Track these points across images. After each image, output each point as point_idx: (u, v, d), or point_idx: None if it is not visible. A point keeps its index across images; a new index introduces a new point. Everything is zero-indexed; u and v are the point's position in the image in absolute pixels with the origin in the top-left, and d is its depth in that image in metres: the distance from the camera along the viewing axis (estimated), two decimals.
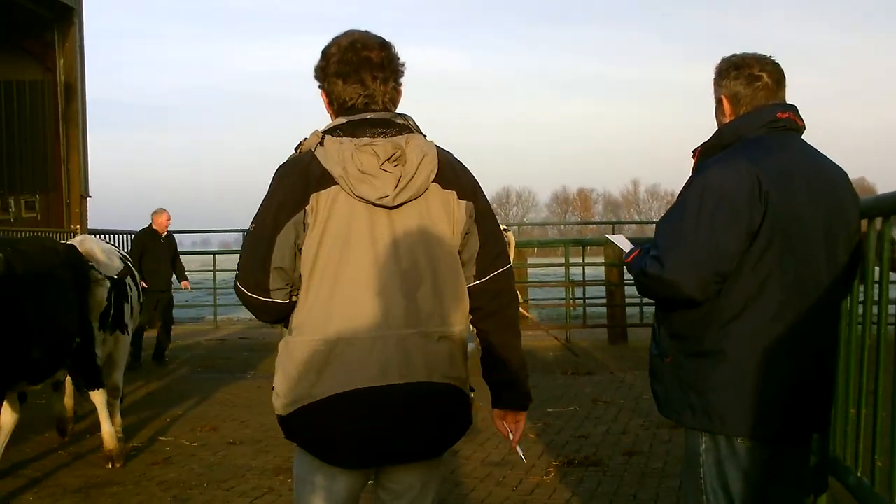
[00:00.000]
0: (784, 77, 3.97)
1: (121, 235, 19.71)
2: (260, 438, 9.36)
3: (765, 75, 3.92)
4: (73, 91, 18.07)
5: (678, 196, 3.86)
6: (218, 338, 18.62)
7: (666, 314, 3.96)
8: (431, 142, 3.54)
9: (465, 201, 3.54)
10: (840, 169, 3.98)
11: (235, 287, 3.61)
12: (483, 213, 3.61)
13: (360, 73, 3.50)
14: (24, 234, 16.59)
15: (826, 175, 3.88)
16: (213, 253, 22.48)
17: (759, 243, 3.66)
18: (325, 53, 3.58)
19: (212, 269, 21.74)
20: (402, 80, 3.62)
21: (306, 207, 3.41)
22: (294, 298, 3.52)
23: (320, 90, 3.62)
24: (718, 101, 4.03)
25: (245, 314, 24.63)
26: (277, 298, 3.50)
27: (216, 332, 19.80)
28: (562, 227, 73.39)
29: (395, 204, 3.40)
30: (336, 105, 3.57)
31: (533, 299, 20.00)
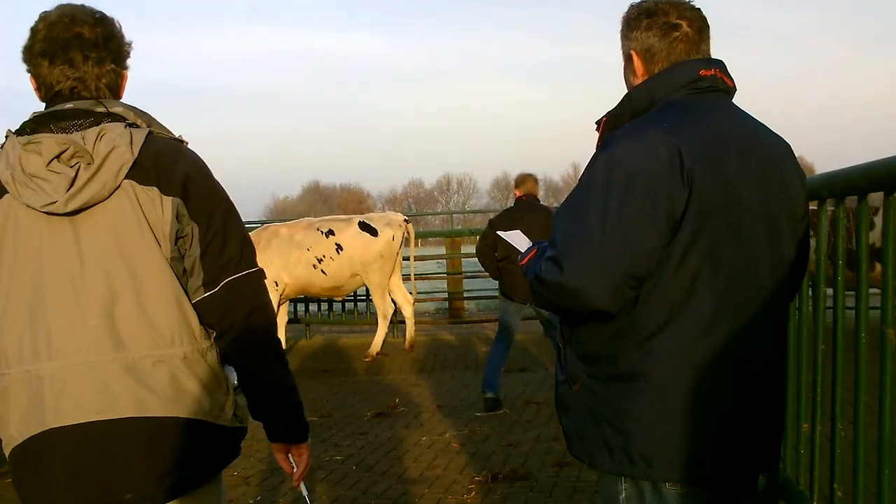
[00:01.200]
0: (707, 26, 3.16)
1: None
2: None
3: (684, 24, 3.10)
4: None
5: (580, 179, 3.06)
6: None
7: (572, 330, 3.15)
8: (138, 130, 2.98)
9: (171, 198, 2.94)
10: (780, 139, 3.19)
11: None
12: (203, 211, 3.00)
13: (68, 53, 2.99)
14: None
15: (764, 146, 3.08)
16: None
17: (683, 235, 2.86)
18: (33, 30, 3.04)
19: None
20: (128, 61, 3.14)
21: None
22: None
23: (28, 75, 3.06)
24: (627, 58, 3.21)
25: None
26: None
27: None
28: None
29: (69, 210, 2.87)
30: (44, 91, 3.05)
31: (467, 290, 19.22)
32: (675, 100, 3.03)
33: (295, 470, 3.26)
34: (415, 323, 14.69)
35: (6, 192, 2.91)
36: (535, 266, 3.04)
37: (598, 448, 3.06)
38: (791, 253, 3.10)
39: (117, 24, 3.09)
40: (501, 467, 7.53)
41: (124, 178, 2.89)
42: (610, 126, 3.12)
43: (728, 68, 3.14)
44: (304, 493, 3.41)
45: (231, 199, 3.12)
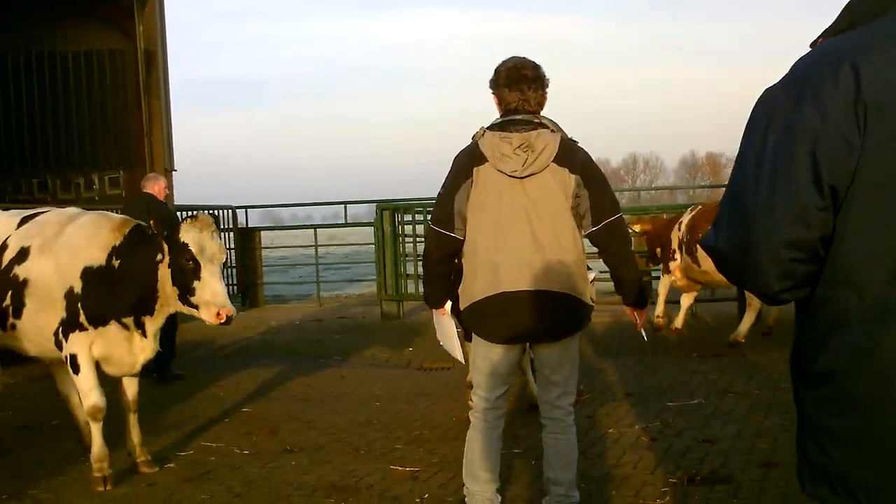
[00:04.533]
0: None
1: (213, 211, 18.57)
2: (322, 444, 7.95)
3: None
4: (154, 59, 17.11)
5: None
6: (314, 318, 17.22)
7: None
8: (556, 134, 5.18)
9: (574, 175, 5.17)
10: None
11: (430, 227, 5.50)
12: (590, 182, 5.20)
13: (518, 85, 5.24)
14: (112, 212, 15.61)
15: None
16: (315, 227, 21.16)
17: (862, 196, 2.13)
18: (496, 70, 5.32)
19: (313, 244, 20.42)
20: (547, 90, 5.35)
21: (471, 176, 5.22)
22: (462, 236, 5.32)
23: (493, 95, 5.35)
24: None
25: (352, 289, 23.55)
26: (457, 234, 5.30)
27: (316, 312, 18.34)
28: (691, 191, 68.70)
29: (523, 176, 5.12)
30: (502, 106, 5.31)
31: (656, 268, 18.13)
32: None
33: (637, 322, 5.52)
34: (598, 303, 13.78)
35: (486, 161, 5.17)
36: None
37: (802, 462, 2.38)
38: None
39: (542, 69, 5.34)
40: (699, 467, 6.68)
41: (551, 162, 5.13)
42: None
43: None
44: (644, 335, 5.77)
45: (604, 175, 5.42)
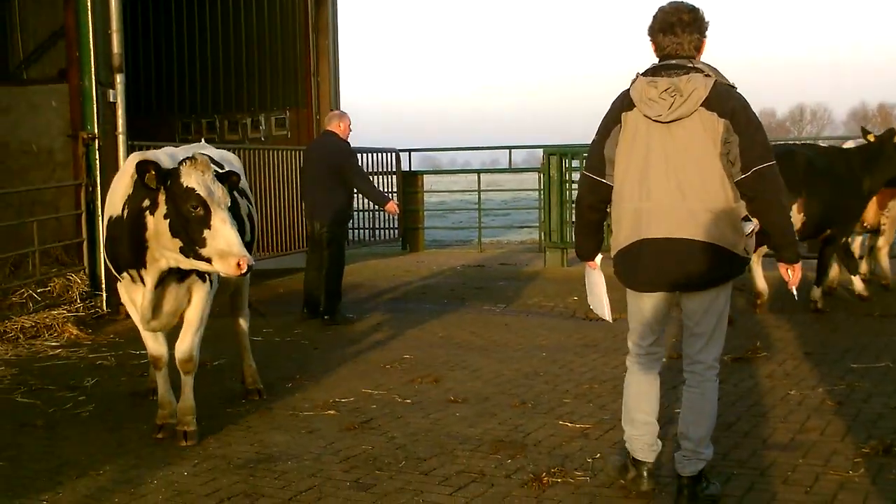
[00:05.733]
0: None
1: (379, 154, 18.51)
2: (487, 395, 7.69)
3: None
4: None
5: None
6: (476, 264, 16.90)
7: None
8: (709, 78, 5.03)
9: (723, 120, 5.00)
10: None
11: (582, 174, 5.61)
12: (741, 128, 5.01)
13: (673, 29, 5.17)
14: (275, 153, 15.60)
15: None
16: (478, 171, 20.89)
17: None
18: (653, 17, 5.26)
19: (474, 189, 20.14)
20: (706, 34, 5.25)
21: (620, 122, 5.26)
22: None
23: (650, 42, 5.30)
24: None
25: (512, 236, 23.23)
26: (608, 180, 5.33)
27: (477, 258, 17.91)
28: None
29: (668, 120, 5.06)
30: (659, 52, 5.25)
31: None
32: None
33: (790, 280, 5.23)
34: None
35: (634, 107, 5.16)
36: None
37: None
38: None
39: (701, 12, 5.19)
40: (893, 437, 6.16)
41: (699, 106, 4.99)
42: None
43: None
44: (794, 293, 5.43)
45: (759, 122, 5.12)
